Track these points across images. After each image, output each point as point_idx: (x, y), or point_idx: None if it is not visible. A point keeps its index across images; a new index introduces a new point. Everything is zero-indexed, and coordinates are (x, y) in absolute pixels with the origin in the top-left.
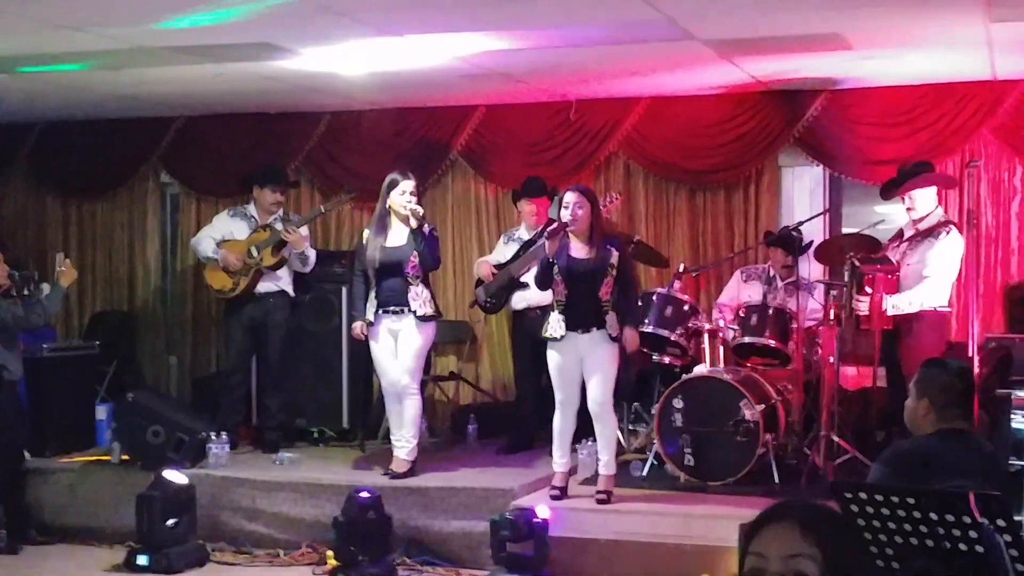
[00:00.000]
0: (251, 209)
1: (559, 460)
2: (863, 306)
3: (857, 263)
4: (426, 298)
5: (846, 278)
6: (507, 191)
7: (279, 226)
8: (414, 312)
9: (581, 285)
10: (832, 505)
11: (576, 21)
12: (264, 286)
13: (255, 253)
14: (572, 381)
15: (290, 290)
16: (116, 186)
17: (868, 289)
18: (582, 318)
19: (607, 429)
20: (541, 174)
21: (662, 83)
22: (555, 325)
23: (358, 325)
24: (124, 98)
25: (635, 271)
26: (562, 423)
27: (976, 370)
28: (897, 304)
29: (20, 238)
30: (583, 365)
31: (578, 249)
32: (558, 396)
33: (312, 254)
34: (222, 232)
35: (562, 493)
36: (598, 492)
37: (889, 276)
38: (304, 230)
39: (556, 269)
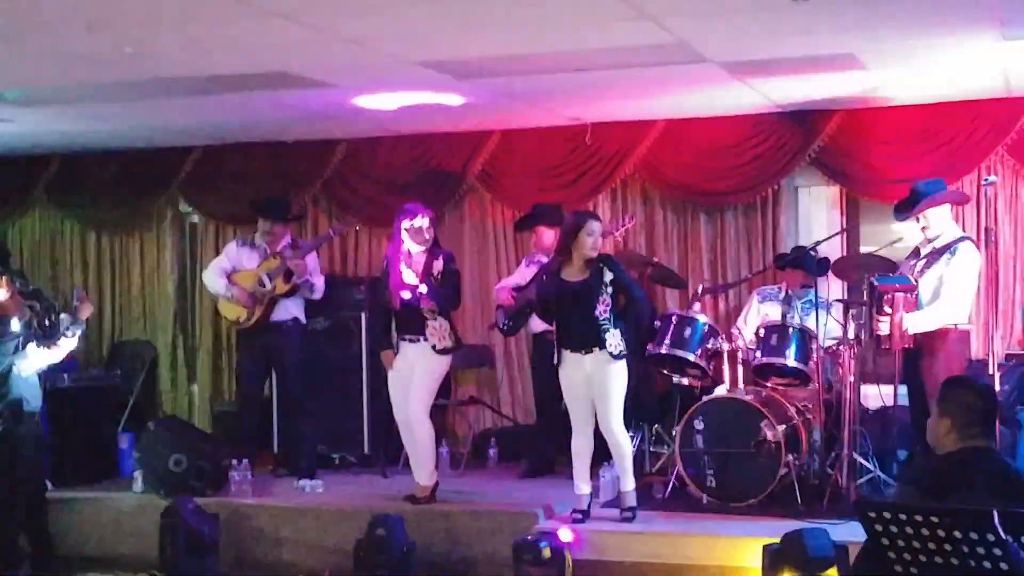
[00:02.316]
0: (259, 238)
1: (580, 482)
2: (883, 327)
3: (875, 283)
4: (445, 331)
5: (864, 297)
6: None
7: (289, 253)
8: (432, 346)
9: (571, 307)
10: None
11: (589, 44)
12: (277, 314)
13: (267, 282)
14: (583, 402)
15: (302, 317)
16: (135, 216)
17: (888, 309)
18: (579, 339)
19: (620, 447)
20: (557, 198)
21: (677, 106)
22: (555, 351)
23: (387, 355)
24: (143, 128)
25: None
26: (579, 445)
27: (997, 387)
28: (916, 322)
29: (40, 269)
30: (590, 385)
31: (570, 273)
32: (572, 417)
33: (319, 281)
34: (232, 263)
35: (584, 516)
36: (623, 511)
37: (909, 296)
38: (312, 258)
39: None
